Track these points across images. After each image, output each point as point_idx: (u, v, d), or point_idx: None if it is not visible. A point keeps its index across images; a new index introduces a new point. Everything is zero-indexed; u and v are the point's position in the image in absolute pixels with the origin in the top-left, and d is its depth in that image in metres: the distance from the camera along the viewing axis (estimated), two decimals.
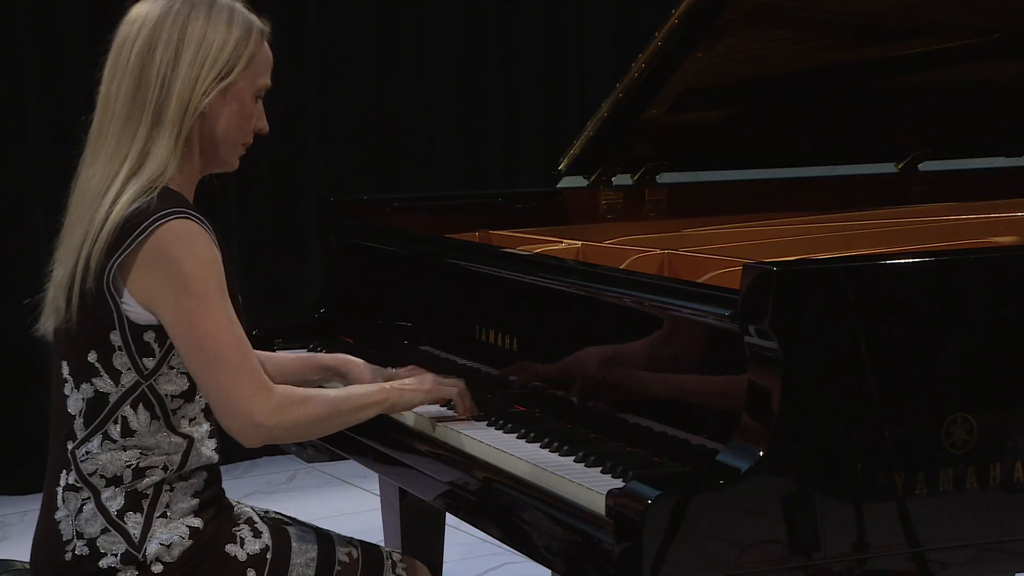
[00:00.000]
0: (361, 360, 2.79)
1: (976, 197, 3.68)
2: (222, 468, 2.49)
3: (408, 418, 2.74)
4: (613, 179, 3.61)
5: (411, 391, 2.55)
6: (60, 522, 2.39)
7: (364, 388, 2.53)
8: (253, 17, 2.44)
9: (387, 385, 2.54)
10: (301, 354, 2.87)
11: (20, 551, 2.70)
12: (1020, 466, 2.27)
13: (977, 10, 3.40)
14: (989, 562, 2.28)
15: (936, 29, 3.48)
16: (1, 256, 5.36)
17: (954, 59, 3.61)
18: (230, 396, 2.30)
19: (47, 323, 2.43)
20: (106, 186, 2.34)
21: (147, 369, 2.35)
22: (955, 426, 2.22)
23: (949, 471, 2.22)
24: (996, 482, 2.25)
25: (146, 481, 2.36)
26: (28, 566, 2.49)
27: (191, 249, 2.30)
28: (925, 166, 3.96)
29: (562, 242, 3.20)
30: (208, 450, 2.42)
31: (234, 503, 2.53)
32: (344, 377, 2.77)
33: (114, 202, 2.32)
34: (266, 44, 2.45)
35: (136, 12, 2.41)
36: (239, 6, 2.43)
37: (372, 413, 2.51)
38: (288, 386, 2.40)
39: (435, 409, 2.70)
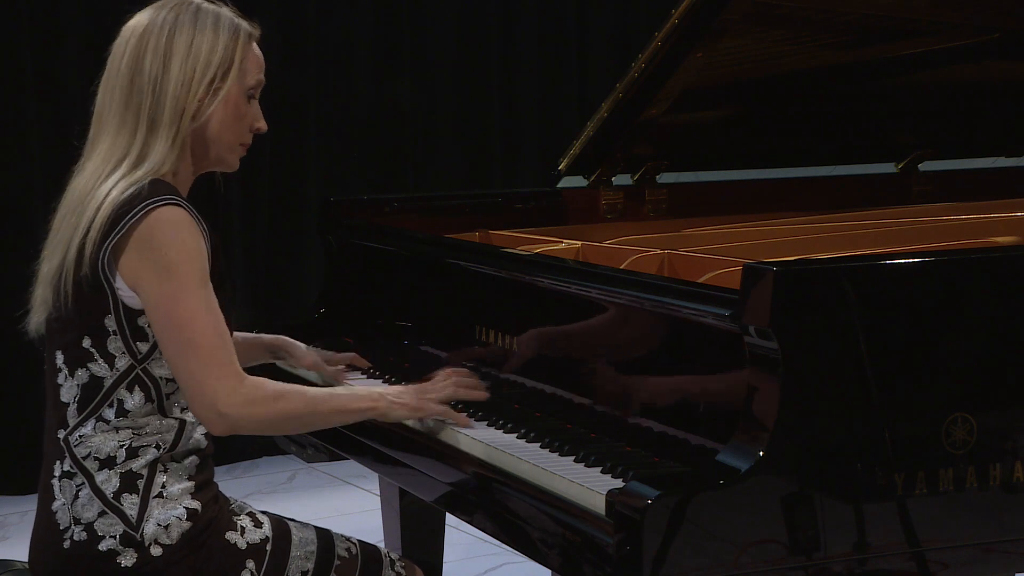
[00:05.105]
0: (301, 344, 2.92)
1: (976, 197, 3.68)
2: (221, 468, 2.50)
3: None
4: (613, 179, 3.61)
5: (401, 406, 2.53)
6: (56, 512, 2.40)
7: (356, 391, 2.55)
8: (240, 20, 2.47)
9: (378, 392, 2.53)
10: (246, 335, 2.91)
11: (20, 551, 2.70)
12: (1020, 466, 2.27)
13: (977, 10, 3.40)
14: (989, 562, 2.27)
15: (936, 29, 3.47)
16: (0, 257, 5.35)
17: (954, 59, 3.61)
18: (197, 382, 2.32)
19: (36, 318, 2.46)
20: (99, 183, 2.38)
21: (140, 353, 2.38)
22: (955, 426, 2.22)
23: (949, 471, 2.21)
24: (996, 482, 2.25)
25: (140, 461, 2.38)
26: (27, 565, 2.49)
27: (177, 235, 2.33)
28: (925, 166, 3.96)
29: (562, 242, 3.20)
30: (199, 434, 2.44)
31: (233, 501, 2.54)
32: (286, 358, 2.92)
33: (107, 195, 2.36)
34: (255, 46, 2.48)
35: (127, 28, 2.46)
36: (225, 11, 2.47)
37: (357, 419, 2.53)
38: (263, 379, 2.40)
39: None
